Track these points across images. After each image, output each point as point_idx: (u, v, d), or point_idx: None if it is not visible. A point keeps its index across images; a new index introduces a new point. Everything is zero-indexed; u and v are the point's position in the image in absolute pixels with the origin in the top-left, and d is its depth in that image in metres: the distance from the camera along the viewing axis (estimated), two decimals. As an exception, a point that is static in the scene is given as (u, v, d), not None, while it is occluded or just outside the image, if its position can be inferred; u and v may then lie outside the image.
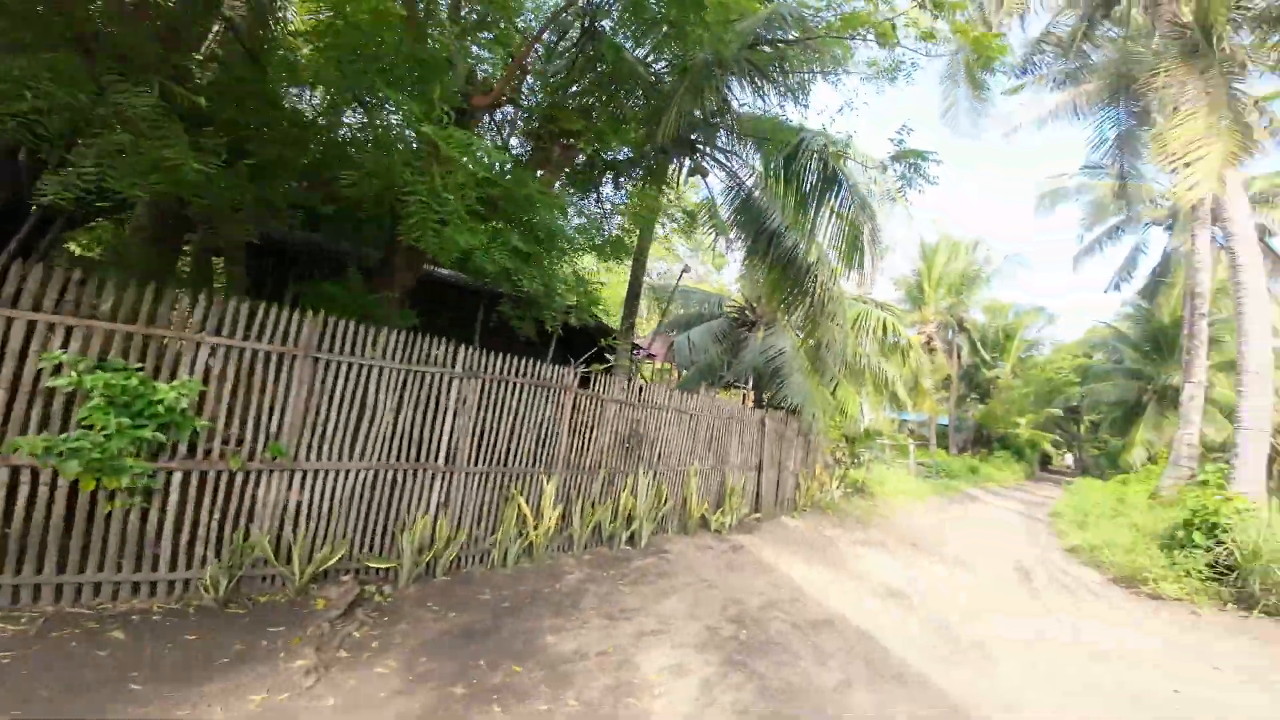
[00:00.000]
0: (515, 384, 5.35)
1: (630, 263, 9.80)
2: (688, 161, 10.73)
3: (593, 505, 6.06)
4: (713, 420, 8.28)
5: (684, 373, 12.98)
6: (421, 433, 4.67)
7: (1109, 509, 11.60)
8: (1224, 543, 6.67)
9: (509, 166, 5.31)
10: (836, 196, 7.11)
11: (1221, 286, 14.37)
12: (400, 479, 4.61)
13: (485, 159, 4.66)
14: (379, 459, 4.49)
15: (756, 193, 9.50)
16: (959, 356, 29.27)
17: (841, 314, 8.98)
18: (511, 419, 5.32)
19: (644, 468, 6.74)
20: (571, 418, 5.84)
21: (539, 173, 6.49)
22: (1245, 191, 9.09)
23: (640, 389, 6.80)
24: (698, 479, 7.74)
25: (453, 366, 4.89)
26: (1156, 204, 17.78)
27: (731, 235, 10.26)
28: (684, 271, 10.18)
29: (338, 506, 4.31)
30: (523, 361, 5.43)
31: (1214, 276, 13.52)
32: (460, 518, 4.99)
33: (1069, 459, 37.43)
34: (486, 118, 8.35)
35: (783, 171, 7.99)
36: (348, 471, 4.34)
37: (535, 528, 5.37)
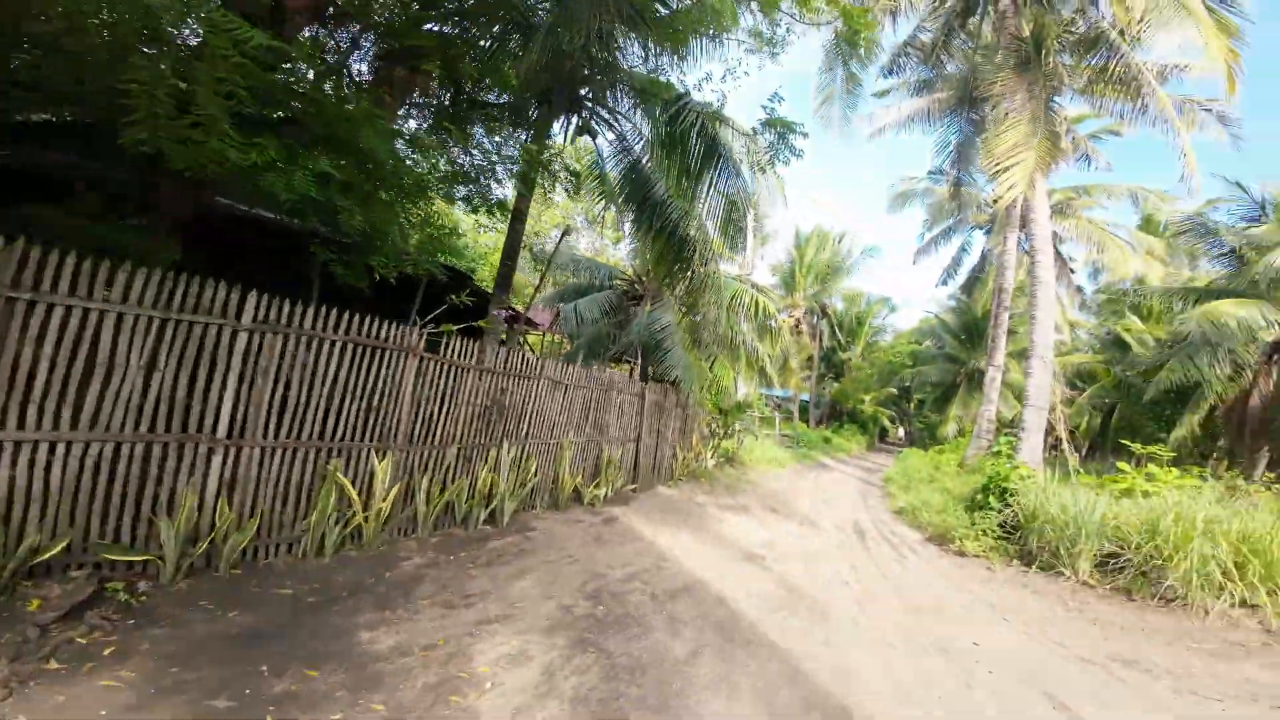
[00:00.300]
0: (336, 343, 4.43)
1: (510, 222, 8.95)
2: (575, 120, 10.04)
3: (443, 483, 5.37)
4: (590, 391, 7.90)
5: (574, 343, 12.50)
6: (191, 398, 3.63)
7: (927, 475, 13.33)
8: (1011, 505, 7.78)
9: (310, 73, 4.26)
10: (716, 169, 6.97)
11: (1021, 286, 17.05)
12: (159, 453, 3.56)
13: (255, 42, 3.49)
14: (124, 428, 3.40)
15: (644, 160, 9.11)
16: (821, 340, 32.13)
17: (718, 290, 9.01)
18: (330, 385, 4.40)
19: (510, 441, 6.15)
20: (416, 386, 5.04)
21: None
22: (1048, 200, 10.65)
23: (507, 356, 6.16)
24: (572, 452, 7.34)
25: (238, 318, 3.86)
26: (981, 209, 20.61)
27: (621, 202, 9.82)
28: (565, 234, 9.54)
29: (62, 486, 3.20)
30: (350, 318, 4.51)
31: (1017, 275, 15.96)
32: (255, 500, 4.04)
33: (901, 432, 43.36)
34: (329, 40, 6.92)
35: (665, 137, 7.67)
36: (73, 443, 3.23)
37: (365, 510, 4.58)
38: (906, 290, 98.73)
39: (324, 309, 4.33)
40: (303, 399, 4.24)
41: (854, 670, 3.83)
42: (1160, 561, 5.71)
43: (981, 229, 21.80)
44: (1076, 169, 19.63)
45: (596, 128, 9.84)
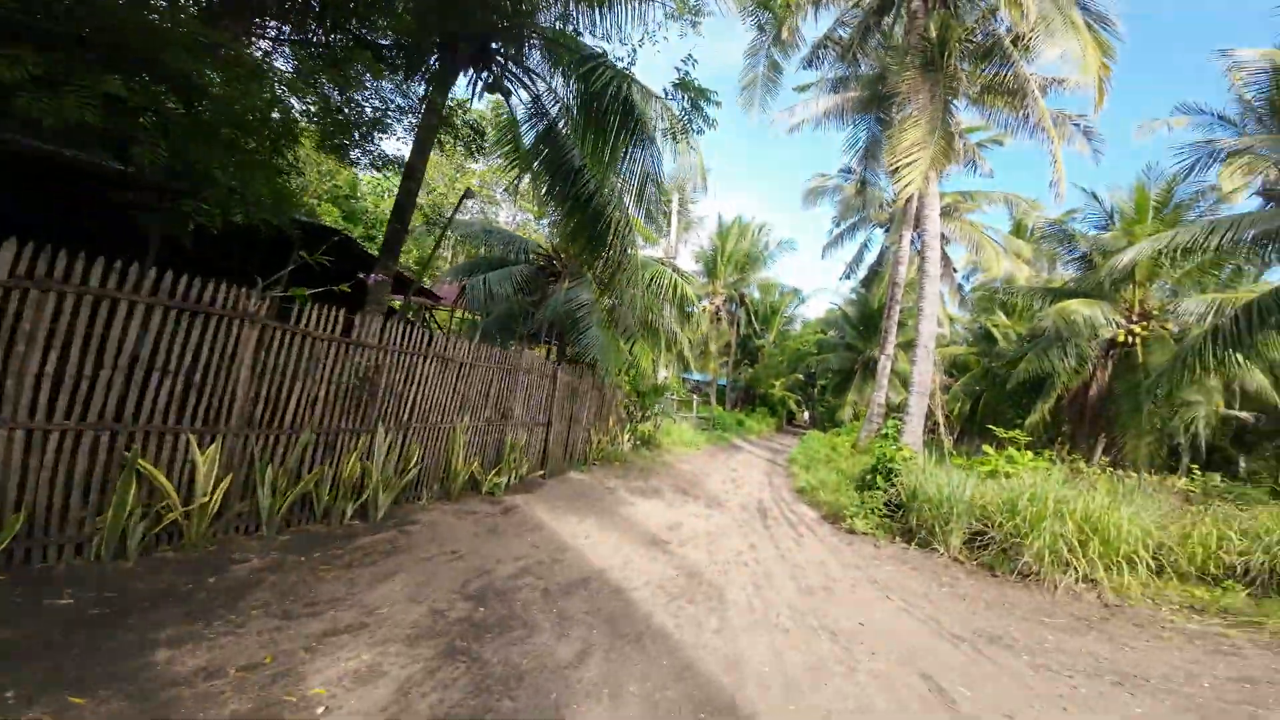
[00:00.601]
0: (139, 306, 3.51)
1: (402, 180, 7.93)
2: (485, 75, 9.10)
3: (297, 473, 4.57)
4: (492, 371, 7.24)
5: (486, 320, 11.58)
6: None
7: (825, 456, 14.03)
8: (895, 485, 8.22)
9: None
10: (631, 135, 6.51)
11: (912, 281, 18.34)
12: None
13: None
14: None
15: (561, 125, 8.44)
16: (738, 327, 33.09)
17: (636, 268, 8.63)
18: (130, 355, 3.50)
19: (388, 425, 5.41)
20: (258, 360, 4.19)
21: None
22: (939, 201, 11.32)
23: (383, 328, 5.37)
24: (468, 436, 6.69)
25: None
26: (883, 208, 21.90)
27: (535, 168, 9.06)
28: (465, 196, 8.62)
29: None
30: (162, 276, 3.59)
31: (908, 272, 17.10)
32: (21, 493, 3.12)
33: (807, 415, 46.16)
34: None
35: (581, 97, 7.08)
36: None
37: (186, 505, 3.74)
38: (817, 281, 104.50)
39: (128, 265, 3.39)
40: (88, 373, 3.31)
41: (745, 659, 3.67)
42: (1018, 540, 6.19)
43: (882, 227, 23.21)
44: (964, 174, 21.37)
45: (510, 86, 8.99)
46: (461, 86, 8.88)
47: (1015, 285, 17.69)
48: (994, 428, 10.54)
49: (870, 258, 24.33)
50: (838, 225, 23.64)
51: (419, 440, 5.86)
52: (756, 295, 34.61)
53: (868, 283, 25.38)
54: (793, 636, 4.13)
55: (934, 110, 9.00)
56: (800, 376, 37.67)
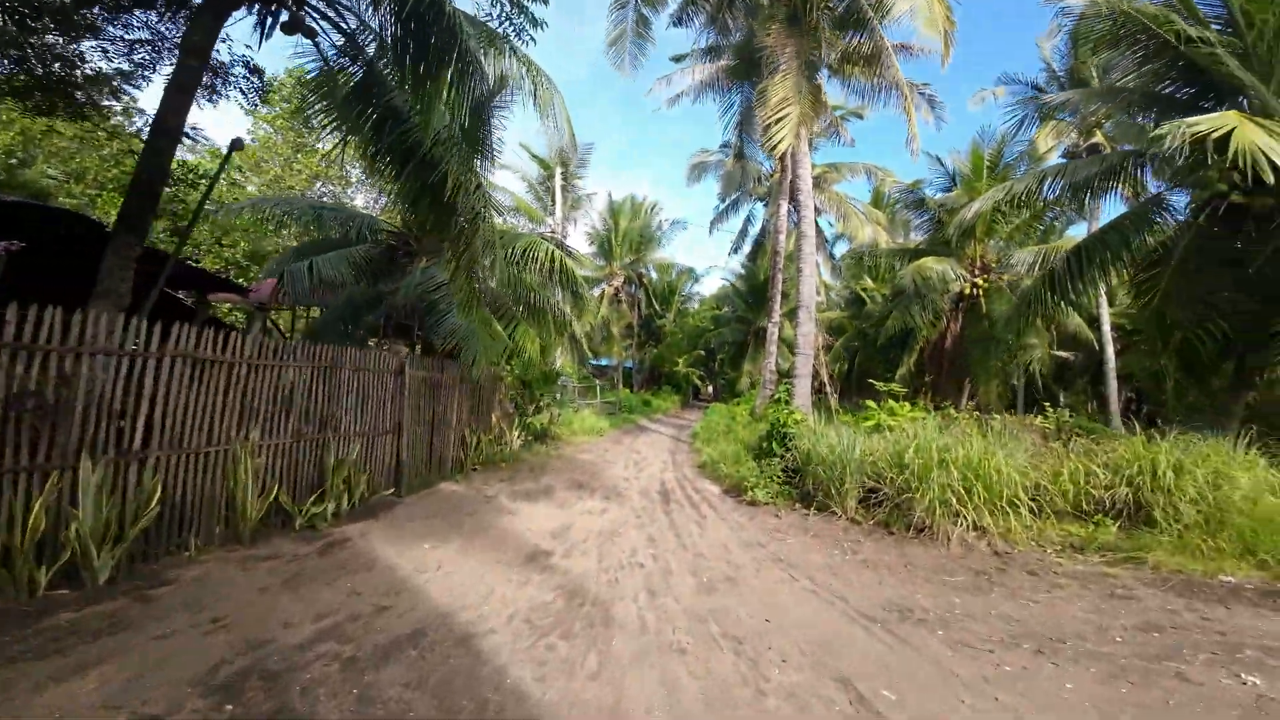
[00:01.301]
0: None
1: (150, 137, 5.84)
2: (281, 11, 7.11)
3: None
4: (298, 372, 5.58)
5: (323, 314, 9.49)
6: None
7: (725, 427, 13.76)
8: (791, 450, 7.85)
9: None
10: (459, 62, 5.17)
11: (791, 254, 18.71)
12: None
13: None
14: None
15: (381, 64, 6.77)
16: (639, 308, 32.54)
17: (491, 232, 7.25)
18: None
19: (99, 455, 3.72)
20: None
21: None
22: (810, 161, 11.13)
23: (82, 322, 3.64)
24: (264, 459, 5.05)
25: None
26: (761, 182, 22.15)
27: (354, 120, 7.27)
28: (234, 148, 6.56)
29: None
30: None
31: (789, 243, 17.32)
32: None
33: (710, 389, 47.26)
34: None
35: (399, 23, 5.56)
36: None
37: None
38: (712, 258, 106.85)
39: None
40: None
41: (628, 710, 2.74)
42: (909, 494, 5.93)
43: (761, 201, 23.57)
44: (830, 145, 22.19)
45: (315, 26, 7.10)
46: (249, 27, 6.87)
47: (879, 249, 18.66)
48: (874, 381, 10.70)
49: (754, 231, 24.69)
50: (723, 201, 23.63)
51: (168, 470, 4.20)
52: (655, 276, 34.26)
53: (753, 255, 25.83)
54: (690, 658, 3.28)
55: (800, 66, 8.67)
56: (701, 352, 38.19)
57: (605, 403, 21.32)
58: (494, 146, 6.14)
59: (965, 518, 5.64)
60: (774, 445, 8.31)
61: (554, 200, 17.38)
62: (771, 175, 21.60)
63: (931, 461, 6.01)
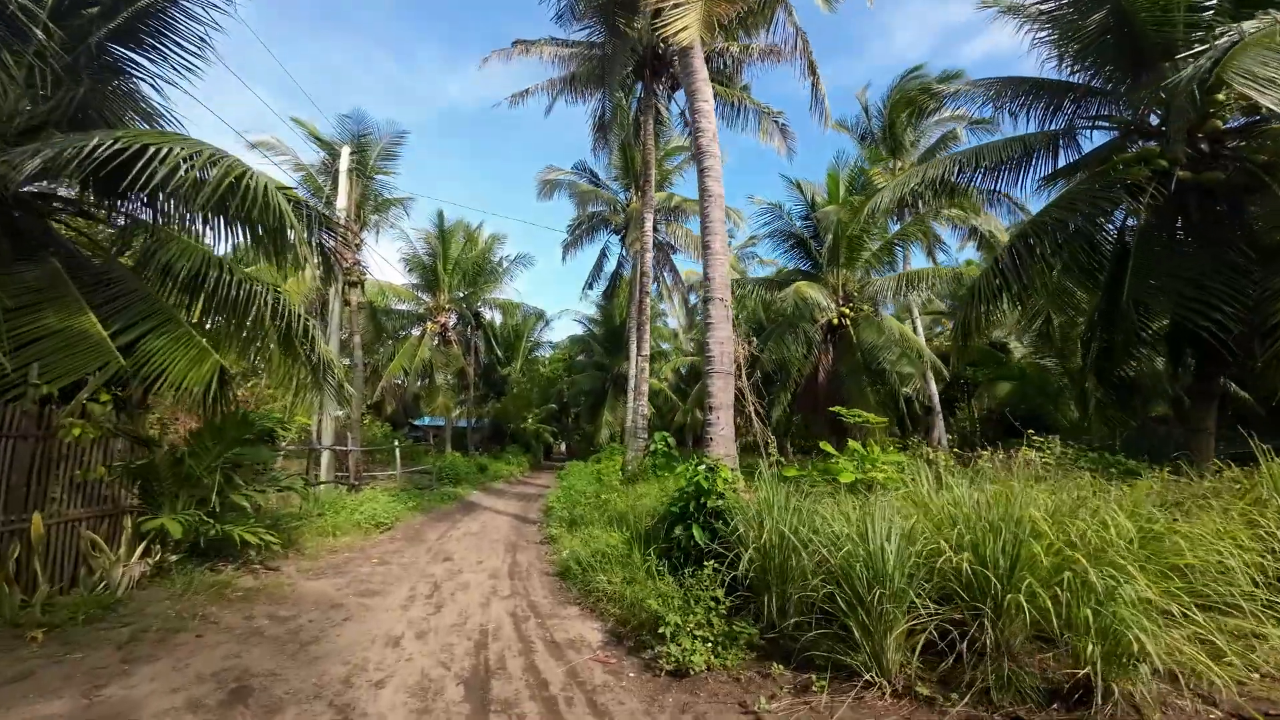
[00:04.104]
0: None
1: None
2: None
3: None
4: None
5: None
6: None
7: (593, 492, 9.55)
8: (733, 540, 4.05)
9: None
10: None
11: (652, 276, 16.03)
12: None
13: None
14: None
15: None
16: (477, 355, 27.10)
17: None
18: None
19: None
20: None
21: None
22: (720, 156, 8.02)
23: None
24: None
25: None
26: (619, 212, 19.61)
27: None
28: None
29: None
30: None
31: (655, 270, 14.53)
32: None
33: (564, 446, 42.11)
34: None
35: None
36: None
37: None
38: (565, 302, 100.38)
39: None
40: None
41: None
42: (1069, 629, 2.47)
43: (618, 234, 21.01)
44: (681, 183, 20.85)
45: None
46: None
47: (745, 280, 17.03)
48: (840, 410, 7.58)
49: (609, 267, 21.91)
50: (577, 225, 20.48)
51: None
52: (498, 319, 29.29)
53: (609, 294, 22.96)
54: None
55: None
56: (554, 406, 33.59)
57: (417, 471, 15.41)
58: None
59: (1151, 659, 2.36)
60: (695, 533, 4.42)
61: (337, 187, 12.14)
62: (628, 205, 19.26)
63: (1047, 551, 2.70)
